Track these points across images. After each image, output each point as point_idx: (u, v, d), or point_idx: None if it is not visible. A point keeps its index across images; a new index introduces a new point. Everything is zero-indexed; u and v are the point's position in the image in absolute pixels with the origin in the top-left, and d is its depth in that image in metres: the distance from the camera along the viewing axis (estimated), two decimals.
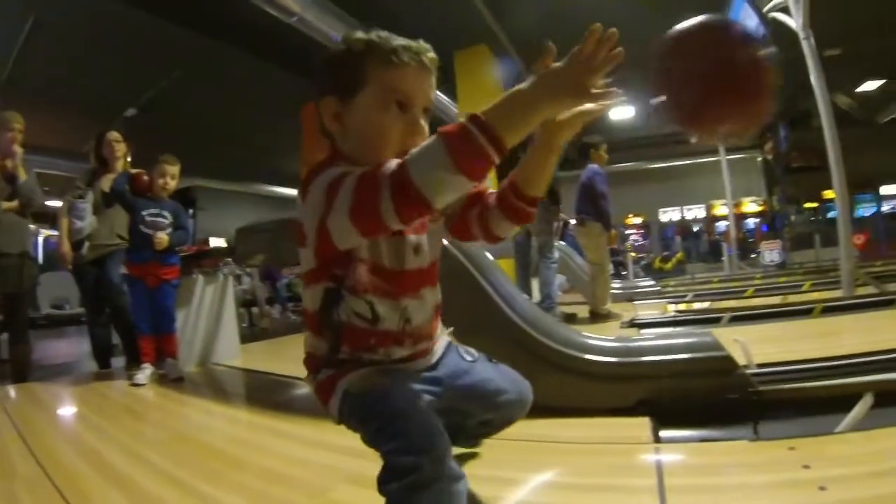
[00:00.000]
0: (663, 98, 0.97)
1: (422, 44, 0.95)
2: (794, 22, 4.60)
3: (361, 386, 0.96)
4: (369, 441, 0.94)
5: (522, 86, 0.76)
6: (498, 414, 1.20)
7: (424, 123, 0.95)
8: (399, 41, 0.93)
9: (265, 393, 2.87)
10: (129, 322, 3.47)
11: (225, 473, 1.59)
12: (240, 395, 3.02)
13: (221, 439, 1.98)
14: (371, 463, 1.48)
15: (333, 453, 1.66)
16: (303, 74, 8.90)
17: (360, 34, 0.95)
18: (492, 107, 0.76)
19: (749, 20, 5.53)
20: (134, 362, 3.38)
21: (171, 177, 3.42)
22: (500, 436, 1.30)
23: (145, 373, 3.17)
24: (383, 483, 0.86)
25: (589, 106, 0.87)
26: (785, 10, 4.74)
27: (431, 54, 0.96)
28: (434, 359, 1.10)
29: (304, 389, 2.79)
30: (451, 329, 1.24)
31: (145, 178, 3.40)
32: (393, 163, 0.79)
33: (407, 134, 0.92)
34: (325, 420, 1.95)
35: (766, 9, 5.19)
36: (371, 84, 0.93)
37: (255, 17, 6.12)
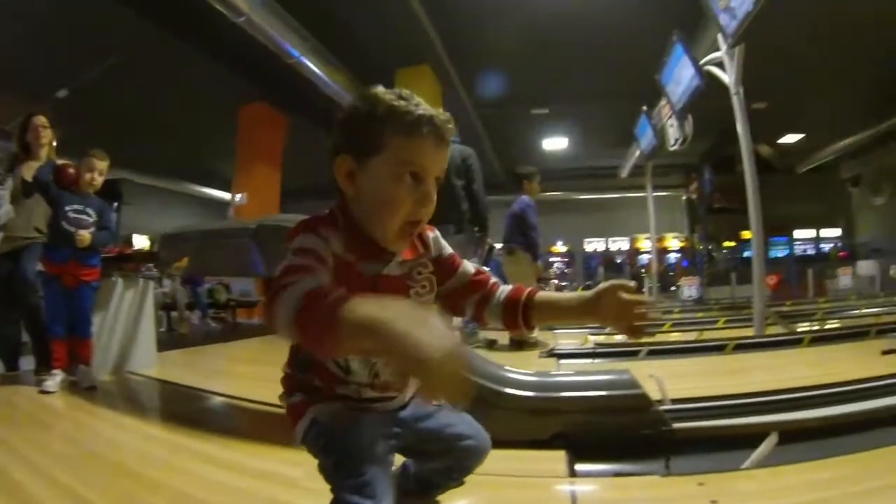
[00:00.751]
0: None
1: (442, 114, 0.96)
2: (727, 77, 4.88)
3: (330, 418, 1.01)
4: (325, 472, 0.99)
5: (391, 326, 0.67)
6: (458, 461, 1.21)
7: (434, 191, 0.97)
8: (421, 110, 0.93)
9: (182, 408, 2.75)
10: (41, 323, 3.27)
11: (137, 496, 1.52)
12: (155, 409, 2.89)
13: (134, 457, 1.89)
14: (289, 489, 1.48)
15: (251, 478, 1.62)
16: (244, 77, 8.76)
17: (383, 94, 0.96)
18: (362, 316, 0.70)
19: (686, 70, 5.85)
20: (44, 366, 3.19)
21: (98, 172, 3.28)
22: None
23: (56, 379, 3.00)
24: None
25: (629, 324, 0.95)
26: (720, 64, 5.02)
27: (451, 126, 0.97)
28: (404, 401, 1.12)
29: (220, 403, 2.75)
30: None
31: (71, 170, 3.25)
32: (291, 276, 0.82)
33: (418, 204, 0.95)
34: (243, 441, 1.94)
35: (702, 62, 5.49)
36: (388, 151, 0.93)
37: (203, 11, 5.97)
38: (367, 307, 0.71)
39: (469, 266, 1.13)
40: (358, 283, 0.93)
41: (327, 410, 1.02)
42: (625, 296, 0.94)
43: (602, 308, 0.95)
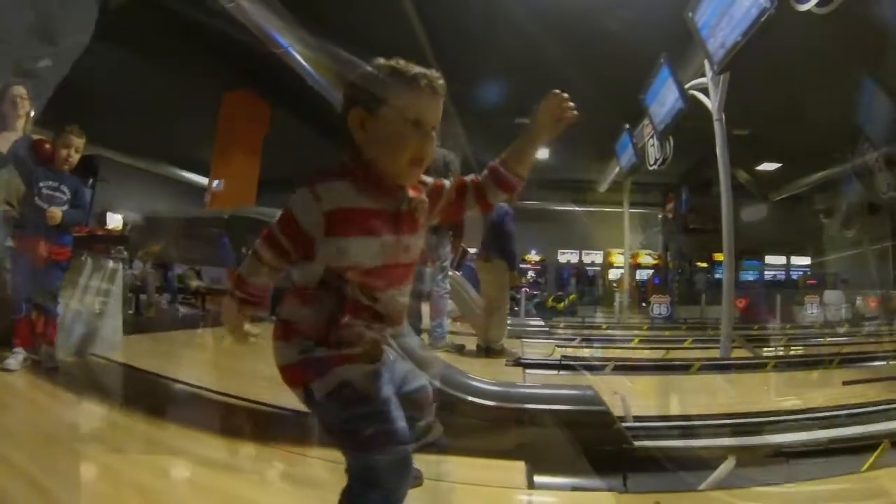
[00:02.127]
0: None
1: (434, 72, 1.14)
2: (710, 103, 4.97)
3: (366, 384, 1.08)
4: (347, 437, 1.10)
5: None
6: (419, 404, 1.27)
7: (434, 137, 1.14)
8: (416, 69, 1.12)
9: (145, 395, 2.68)
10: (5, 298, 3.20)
11: (92, 482, 1.50)
12: (117, 395, 2.79)
13: (93, 445, 1.86)
14: (247, 483, 1.47)
15: (209, 470, 1.62)
16: (231, 63, 8.66)
17: (385, 61, 1.13)
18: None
19: (670, 92, 5.94)
20: (5, 344, 3.11)
21: (75, 149, 3.20)
22: None
23: (17, 358, 2.91)
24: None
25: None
26: (704, 90, 5.11)
27: (441, 82, 1.15)
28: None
29: (183, 392, 2.72)
30: None
31: (47, 146, 3.19)
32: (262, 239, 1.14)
33: (420, 143, 1.10)
34: (203, 432, 1.91)
35: (687, 86, 5.57)
36: (393, 102, 1.10)
37: None
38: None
39: (447, 182, 1.29)
40: (379, 218, 1.09)
41: (361, 373, 1.08)
42: (549, 96, 1.18)
43: (542, 118, 1.21)
